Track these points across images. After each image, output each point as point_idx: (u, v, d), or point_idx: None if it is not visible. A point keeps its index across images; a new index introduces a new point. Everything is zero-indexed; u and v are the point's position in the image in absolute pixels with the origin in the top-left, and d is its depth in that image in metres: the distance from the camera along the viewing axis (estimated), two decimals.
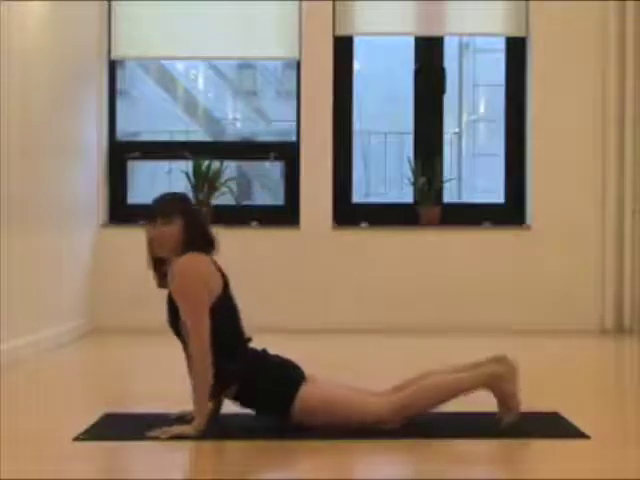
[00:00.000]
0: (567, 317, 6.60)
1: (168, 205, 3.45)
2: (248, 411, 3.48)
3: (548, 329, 6.47)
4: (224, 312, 3.48)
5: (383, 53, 8.48)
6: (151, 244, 3.47)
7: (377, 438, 3.36)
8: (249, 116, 8.94)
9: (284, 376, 3.45)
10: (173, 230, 3.42)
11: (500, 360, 3.51)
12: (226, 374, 3.42)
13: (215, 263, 3.51)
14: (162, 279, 3.51)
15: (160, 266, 3.49)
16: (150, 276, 3.42)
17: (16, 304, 5.13)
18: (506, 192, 6.93)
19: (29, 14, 5.42)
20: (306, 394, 3.40)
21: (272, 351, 3.56)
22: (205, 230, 3.50)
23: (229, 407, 3.62)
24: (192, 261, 3.42)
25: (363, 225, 6.76)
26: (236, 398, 3.47)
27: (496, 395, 3.48)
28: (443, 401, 3.49)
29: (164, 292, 7.11)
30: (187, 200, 3.55)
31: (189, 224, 3.44)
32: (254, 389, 3.44)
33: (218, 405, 3.63)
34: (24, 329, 5.28)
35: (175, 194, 3.55)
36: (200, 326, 3.38)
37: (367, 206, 7.14)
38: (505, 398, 3.46)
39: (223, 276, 3.51)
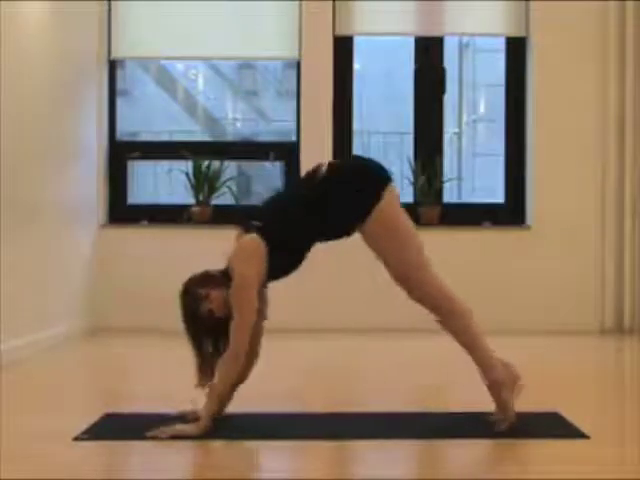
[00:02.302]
0: (567, 317, 6.60)
1: (196, 292, 3.50)
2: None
3: (548, 329, 6.48)
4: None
5: (383, 53, 8.48)
6: (227, 317, 3.47)
7: (377, 438, 3.37)
8: (249, 116, 8.94)
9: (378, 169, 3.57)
10: (214, 296, 3.46)
11: (507, 367, 3.53)
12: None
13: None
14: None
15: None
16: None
17: (16, 304, 5.13)
18: (506, 192, 6.93)
19: (29, 14, 5.42)
20: (391, 192, 3.49)
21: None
22: (207, 273, 3.56)
23: (231, 407, 3.62)
24: (244, 270, 3.43)
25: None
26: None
27: (494, 400, 3.51)
28: (446, 324, 3.54)
29: (163, 292, 7.11)
30: (191, 281, 3.58)
31: (209, 283, 3.49)
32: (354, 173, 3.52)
33: (222, 405, 3.63)
34: (24, 329, 5.28)
35: (183, 289, 3.56)
36: (247, 323, 3.40)
37: None
38: (500, 404, 3.48)
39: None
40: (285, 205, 3.54)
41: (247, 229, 3.48)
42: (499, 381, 3.49)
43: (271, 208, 3.57)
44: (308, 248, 3.55)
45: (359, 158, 3.72)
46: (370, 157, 3.71)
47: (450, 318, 3.53)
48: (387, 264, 3.54)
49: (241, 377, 3.58)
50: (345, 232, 3.55)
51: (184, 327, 3.50)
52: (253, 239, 3.44)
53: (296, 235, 3.50)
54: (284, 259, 3.49)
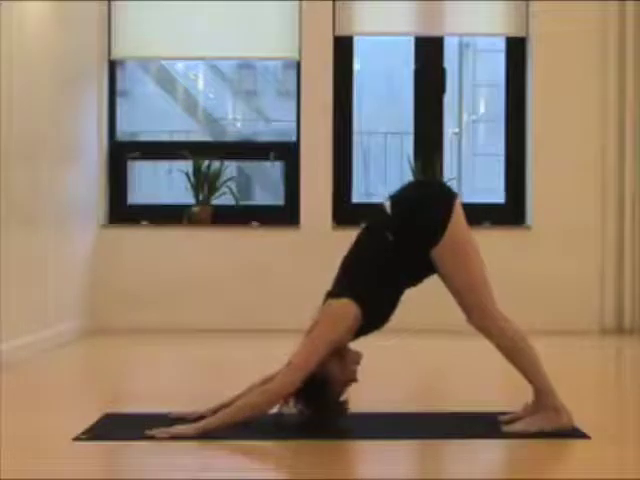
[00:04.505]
0: (567, 317, 6.60)
1: None
2: None
3: (548, 329, 6.47)
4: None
5: (383, 53, 8.47)
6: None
7: (377, 438, 3.37)
8: (249, 116, 8.93)
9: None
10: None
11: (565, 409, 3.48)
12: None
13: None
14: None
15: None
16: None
17: (16, 304, 5.13)
18: (506, 192, 6.93)
19: (29, 14, 5.42)
20: (457, 211, 3.48)
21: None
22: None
23: None
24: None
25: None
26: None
27: (530, 419, 3.48)
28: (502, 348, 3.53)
29: (163, 292, 7.12)
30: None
31: None
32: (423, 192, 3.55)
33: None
34: (24, 329, 5.28)
35: None
36: (309, 364, 3.36)
37: (367, 206, 7.12)
38: (531, 423, 3.45)
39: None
40: (366, 264, 3.49)
41: (336, 295, 3.46)
42: (550, 409, 3.45)
43: (354, 268, 3.51)
44: (398, 299, 3.54)
45: (417, 184, 3.68)
46: (427, 178, 3.72)
47: (512, 348, 3.52)
48: (452, 287, 3.50)
49: None
50: (426, 263, 3.49)
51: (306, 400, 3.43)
52: (345, 305, 3.41)
53: (386, 287, 3.48)
54: (377, 317, 3.49)
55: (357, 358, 3.52)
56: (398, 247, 3.46)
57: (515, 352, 3.52)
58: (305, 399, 3.42)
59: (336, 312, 3.43)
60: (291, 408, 3.44)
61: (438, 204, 3.49)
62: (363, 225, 3.64)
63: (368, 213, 3.65)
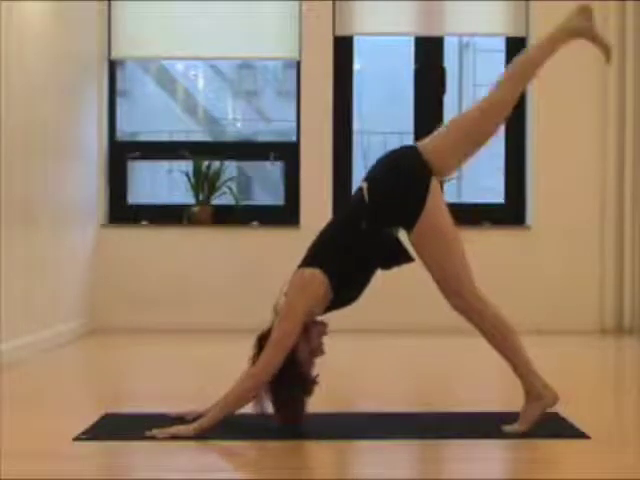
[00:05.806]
0: (567, 317, 6.60)
1: None
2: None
3: (548, 329, 6.48)
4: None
5: (383, 53, 8.48)
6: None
7: (377, 438, 3.37)
8: (249, 116, 8.93)
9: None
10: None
11: (547, 387, 3.49)
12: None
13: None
14: None
15: None
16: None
17: (16, 304, 5.13)
18: (506, 192, 6.93)
19: (29, 14, 5.42)
20: (434, 189, 3.46)
21: None
22: None
23: None
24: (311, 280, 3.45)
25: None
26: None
27: (522, 410, 3.48)
28: (491, 340, 3.53)
29: (163, 292, 7.12)
30: None
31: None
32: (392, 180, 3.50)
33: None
34: (24, 329, 5.28)
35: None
36: (288, 338, 3.37)
37: None
38: (524, 416, 3.46)
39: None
40: (341, 237, 3.49)
41: (307, 265, 3.46)
42: (534, 394, 3.47)
43: (328, 243, 3.51)
44: (369, 278, 3.52)
45: (391, 164, 3.61)
46: (401, 151, 3.68)
47: (494, 333, 3.52)
48: (434, 271, 3.50)
49: None
50: (396, 249, 3.50)
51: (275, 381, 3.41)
52: (314, 274, 3.42)
53: (357, 266, 3.47)
54: (345, 292, 3.47)
55: (323, 329, 3.50)
56: (370, 234, 3.47)
57: (498, 336, 3.51)
58: (277, 383, 3.39)
59: (305, 280, 3.44)
60: (266, 408, 3.43)
61: (413, 190, 3.46)
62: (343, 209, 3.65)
63: (351, 197, 3.66)
